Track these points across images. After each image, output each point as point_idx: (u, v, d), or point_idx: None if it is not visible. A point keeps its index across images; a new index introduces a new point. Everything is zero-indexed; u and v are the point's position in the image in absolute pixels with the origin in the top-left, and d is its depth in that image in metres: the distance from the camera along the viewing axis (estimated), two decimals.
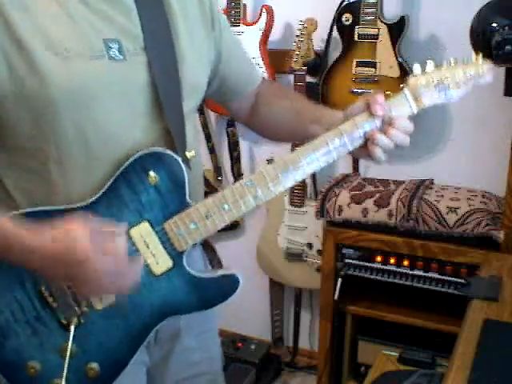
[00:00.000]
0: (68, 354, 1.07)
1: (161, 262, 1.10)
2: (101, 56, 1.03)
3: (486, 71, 1.14)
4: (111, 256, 0.99)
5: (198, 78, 1.19)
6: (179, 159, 1.09)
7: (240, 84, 1.33)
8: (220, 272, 1.16)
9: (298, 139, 1.22)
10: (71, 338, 1.07)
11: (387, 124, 1.10)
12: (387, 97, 1.11)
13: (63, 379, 1.06)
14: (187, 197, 1.10)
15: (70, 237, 0.97)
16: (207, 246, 1.28)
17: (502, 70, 2.02)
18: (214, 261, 1.28)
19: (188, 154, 1.12)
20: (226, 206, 1.09)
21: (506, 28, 1.81)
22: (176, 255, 1.11)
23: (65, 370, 1.06)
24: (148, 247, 1.09)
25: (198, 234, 1.10)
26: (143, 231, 1.08)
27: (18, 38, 0.98)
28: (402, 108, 1.11)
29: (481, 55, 1.14)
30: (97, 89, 1.03)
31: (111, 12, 1.06)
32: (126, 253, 1.01)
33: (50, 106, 1.00)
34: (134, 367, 1.16)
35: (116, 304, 1.09)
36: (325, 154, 1.10)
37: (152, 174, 1.07)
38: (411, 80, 1.12)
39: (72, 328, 1.08)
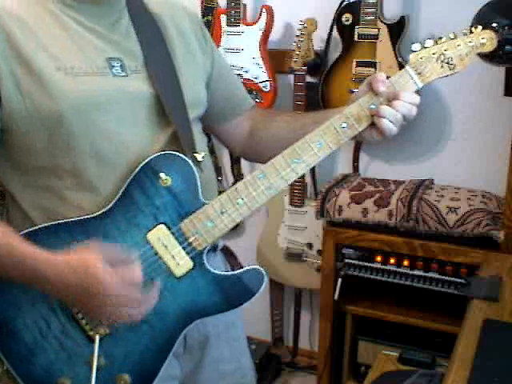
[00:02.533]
0: (95, 365, 1.05)
1: (181, 264, 1.10)
2: (105, 73, 1.07)
3: (486, 39, 1.14)
4: (127, 285, 0.99)
5: (197, 90, 1.22)
6: (188, 159, 1.10)
7: (230, 106, 1.33)
8: (237, 267, 1.16)
9: None
10: (96, 349, 1.06)
11: (392, 99, 1.10)
12: (389, 67, 1.12)
13: None
14: (200, 196, 1.10)
15: (85, 268, 0.97)
16: (228, 253, 1.28)
17: (502, 70, 2.03)
18: (236, 267, 1.27)
19: (198, 156, 1.13)
20: (240, 201, 1.10)
21: (506, 28, 1.81)
22: (196, 255, 1.10)
23: (93, 382, 1.05)
24: (167, 249, 1.09)
25: (216, 231, 1.10)
26: (160, 234, 1.08)
27: (25, 59, 1.02)
28: (406, 84, 1.12)
29: (480, 26, 1.14)
30: (104, 101, 1.06)
31: (111, 34, 1.11)
32: (140, 277, 1.01)
33: (61, 121, 1.03)
34: (166, 383, 1.15)
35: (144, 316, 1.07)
36: (333, 137, 1.11)
37: (163, 176, 1.08)
38: (412, 56, 1.13)
39: (97, 338, 1.07)
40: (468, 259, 1.96)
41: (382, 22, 2.16)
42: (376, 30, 2.16)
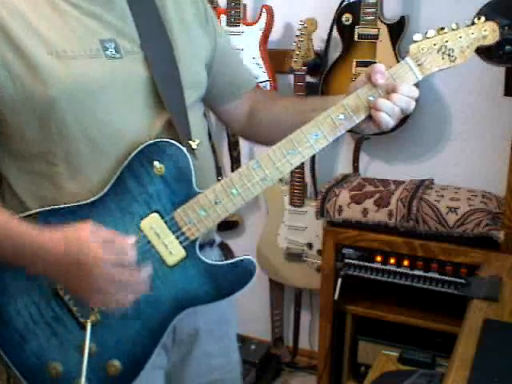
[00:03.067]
0: (86, 351, 1.06)
1: (174, 252, 1.10)
2: (98, 55, 1.04)
3: (488, 31, 1.12)
4: (123, 267, 1.00)
5: (196, 71, 1.19)
6: (183, 147, 1.09)
7: (235, 81, 1.32)
8: (234, 258, 1.15)
9: None
10: (88, 336, 1.07)
11: (391, 91, 1.08)
12: (389, 67, 1.10)
13: (83, 377, 1.06)
14: (194, 185, 1.10)
15: (78, 240, 0.98)
16: (225, 248, 1.27)
17: (502, 70, 2.03)
18: (229, 257, 1.27)
19: (192, 144, 1.12)
20: (234, 191, 1.09)
21: (506, 28, 1.81)
22: (188, 244, 1.10)
23: (84, 368, 1.06)
24: (159, 238, 1.09)
25: (209, 220, 1.10)
26: (153, 222, 1.08)
27: (16, 43, 1.00)
28: (405, 76, 1.10)
29: (483, 17, 1.12)
30: (96, 87, 1.04)
31: (105, 14, 1.07)
32: (134, 262, 1.01)
33: (53, 106, 1.02)
34: (152, 372, 1.16)
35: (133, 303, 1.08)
36: (331, 129, 1.09)
37: (157, 164, 1.07)
38: (412, 47, 1.11)
39: (89, 325, 1.08)
40: (468, 259, 1.96)
41: (382, 21, 2.16)
42: (376, 29, 2.16)
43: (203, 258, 1.12)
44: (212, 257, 1.19)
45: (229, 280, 1.14)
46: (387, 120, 1.08)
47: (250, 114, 1.34)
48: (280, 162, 1.09)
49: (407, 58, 1.10)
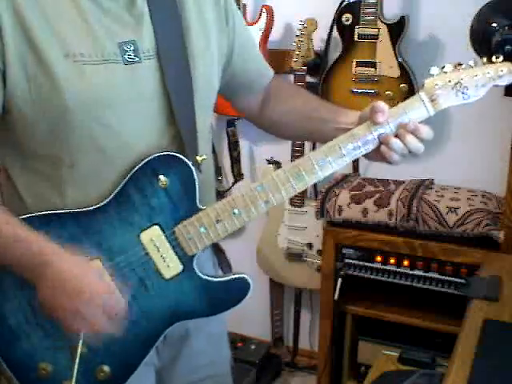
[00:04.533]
0: (78, 355, 1.06)
1: (171, 266, 1.10)
2: (115, 61, 1.04)
3: (505, 72, 1.10)
4: (108, 314, 1.02)
5: (210, 78, 1.19)
6: (189, 163, 1.09)
7: (251, 80, 1.32)
8: (230, 276, 1.16)
9: (310, 139, 1.21)
10: (81, 340, 1.06)
11: (404, 129, 1.08)
12: (391, 98, 1.10)
13: (73, 380, 1.06)
14: (197, 201, 1.10)
15: (91, 271, 1.02)
16: (216, 249, 1.28)
17: None
18: (223, 263, 1.28)
19: (199, 158, 1.12)
20: (236, 211, 1.09)
21: (506, 28, 1.81)
22: (186, 259, 1.11)
23: (74, 372, 1.06)
24: (158, 250, 1.09)
25: (209, 238, 1.10)
26: (154, 235, 1.09)
27: (35, 43, 0.99)
28: (417, 110, 1.10)
29: (501, 57, 1.11)
30: (110, 96, 1.04)
31: (125, 15, 1.06)
32: (122, 313, 1.04)
33: (64, 112, 1.02)
34: (143, 368, 1.16)
35: (126, 308, 1.08)
36: (337, 158, 1.09)
37: (162, 177, 1.07)
38: (427, 81, 1.10)
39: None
40: (468, 259, 1.96)
41: (382, 22, 2.16)
42: (376, 30, 2.16)
43: (199, 274, 1.12)
44: (203, 258, 1.19)
45: (222, 297, 1.15)
46: (396, 159, 1.10)
47: (262, 107, 1.35)
48: (284, 187, 1.09)
49: (421, 93, 1.09)
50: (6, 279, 1.09)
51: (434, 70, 1.10)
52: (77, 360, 1.06)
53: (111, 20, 1.05)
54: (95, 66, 1.02)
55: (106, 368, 1.12)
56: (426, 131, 1.10)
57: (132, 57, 1.05)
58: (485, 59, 1.11)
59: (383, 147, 1.09)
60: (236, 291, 1.15)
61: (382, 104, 1.08)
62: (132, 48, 1.06)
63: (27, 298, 1.09)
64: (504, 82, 1.11)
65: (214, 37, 1.19)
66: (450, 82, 1.09)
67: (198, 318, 1.17)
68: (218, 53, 1.20)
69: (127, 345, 1.12)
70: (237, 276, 1.15)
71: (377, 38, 2.17)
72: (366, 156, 1.13)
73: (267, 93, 1.34)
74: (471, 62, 1.11)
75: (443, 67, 1.10)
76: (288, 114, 1.31)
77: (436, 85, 1.09)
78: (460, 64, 1.10)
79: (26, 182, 1.09)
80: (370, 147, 1.10)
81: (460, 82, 1.09)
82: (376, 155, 1.12)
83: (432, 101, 1.09)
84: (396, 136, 1.09)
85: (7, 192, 1.13)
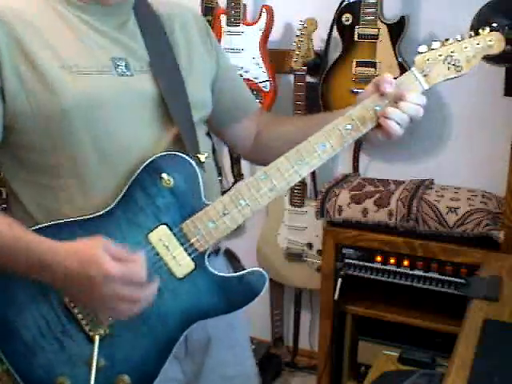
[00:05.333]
0: (94, 365, 1.05)
1: (182, 265, 1.09)
2: (109, 72, 1.07)
3: (494, 41, 1.12)
4: (129, 281, 0.99)
5: (202, 92, 1.22)
6: (191, 159, 1.09)
7: (236, 107, 1.33)
8: (239, 269, 1.15)
9: None
10: (96, 349, 1.05)
11: (398, 100, 1.09)
12: (395, 78, 1.11)
13: None
14: (203, 196, 1.10)
15: (90, 256, 0.98)
16: (230, 255, 1.28)
17: (502, 70, 2.03)
18: (239, 270, 1.27)
19: (201, 157, 1.13)
20: (242, 202, 1.09)
21: (506, 28, 1.81)
22: (197, 256, 1.10)
23: (92, 383, 1.05)
24: (168, 250, 1.09)
25: (218, 232, 1.10)
26: (162, 234, 1.08)
27: (29, 57, 1.02)
28: (411, 86, 1.11)
29: (488, 28, 1.13)
30: (107, 101, 1.05)
31: (117, 35, 1.11)
32: (144, 280, 1.01)
33: (64, 119, 1.03)
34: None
35: (141, 312, 1.06)
36: (338, 139, 1.10)
37: (165, 176, 1.07)
38: (417, 57, 1.11)
39: (97, 339, 1.07)
40: (468, 259, 1.96)
41: (382, 22, 2.16)
42: (376, 30, 2.16)
43: (212, 270, 1.11)
44: (217, 265, 1.18)
45: (238, 292, 1.13)
46: (397, 128, 1.10)
47: (257, 136, 1.35)
48: (288, 173, 1.10)
49: (413, 69, 1.11)
50: (17, 294, 1.08)
51: (422, 48, 1.12)
52: (93, 368, 1.05)
53: (104, 39, 1.09)
54: (90, 76, 1.05)
55: (126, 378, 1.10)
56: (420, 97, 1.11)
57: (124, 70, 1.09)
58: (472, 32, 1.12)
59: (382, 119, 1.10)
60: (251, 285, 1.13)
61: (388, 75, 1.10)
62: (124, 64, 1.09)
63: (40, 312, 1.08)
64: (495, 50, 1.13)
65: (203, 58, 1.23)
66: (440, 55, 1.11)
67: (217, 317, 1.15)
68: (209, 73, 1.25)
69: (145, 351, 1.10)
70: (252, 269, 1.13)
71: (377, 38, 2.17)
72: (367, 138, 1.13)
73: (259, 122, 1.34)
74: (458, 37, 1.12)
75: (431, 44, 1.12)
76: (287, 134, 1.29)
77: (427, 60, 1.11)
78: (447, 39, 1.12)
79: (31, 195, 1.10)
80: (369, 125, 1.10)
81: (451, 55, 1.11)
82: (377, 133, 1.12)
83: (425, 75, 1.11)
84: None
85: (14, 207, 1.13)
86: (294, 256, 2.50)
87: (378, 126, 1.11)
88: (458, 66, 1.12)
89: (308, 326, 2.75)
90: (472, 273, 1.90)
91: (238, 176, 2.62)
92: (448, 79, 1.13)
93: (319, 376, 2.31)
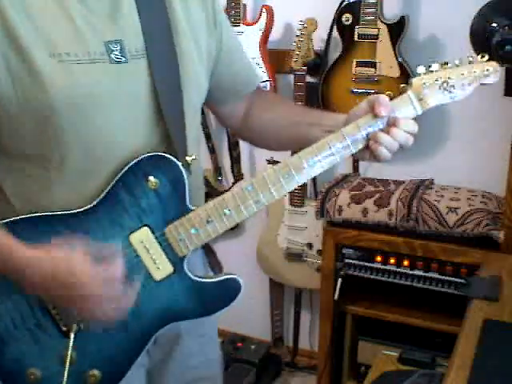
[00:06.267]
0: (68, 360, 1.06)
1: (161, 268, 1.09)
2: (101, 60, 1.02)
3: (491, 71, 1.12)
4: (108, 283, 0.99)
5: (199, 78, 1.18)
6: (179, 163, 1.08)
7: (237, 85, 1.31)
8: (221, 276, 1.15)
9: (297, 145, 1.19)
10: (71, 345, 1.06)
11: (391, 125, 1.09)
12: (390, 98, 1.10)
13: None
14: (187, 202, 1.09)
15: (68, 265, 0.97)
16: (207, 249, 1.28)
17: (502, 70, 2.02)
18: (214, 264, 1.27)
19: (188, 159, 1.11)
20: (226, 211, 1.08)
21: (506, 28, 1.82)
22: (177, 260, 1.10)
23: (65, 378, 1.06)
24: (148, 252, 1.08)
25: (199, 238, 1.10)
26: (143, 236, 1.08)
27: (18, 43, 0.97)
28: (405, 109, 1.10)
29: (486, 56, 1.12)
30: (96, 95, 1.02)
31: (112, 14, 1.05)
32: (123, 275, 1.01)
33: (50, 111, 1.00)
34: (133, 370, 1.16)
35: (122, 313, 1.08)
36: (327, 156, 1.09)
37: (152, 178, 1.06)
38: (415, 80, 1.11)
39: (72, 335, 1.07)
40: (468, 259, 1.96)
41: (382, 22, 2.16)
42: (376, 30, 2.16)
43: (190, 275, 1.12)
44: (195, 257, 1.18)
45: (214, 298, 1.14)
46: (385, 154, 1.09)
47: (245, 116, 1.33)
48: (274, 187, 1.09)
49: (410, 92, 1.10)
50: None
51: (421, 69, 1.11)
52: (67, 364, 1.05)
53: (97, 20, 1.03)
54: (81, 65, 1.00)
55: (97, 372, 1.11)
56: (413, 125, 1.10)
57: (119, 57, 1.04)
58: (470, 58, 1.12)
59: (372, 143, 1.09)
60: (227, 292, 1.14)
61: (384, 98, 1.08)
62: (119, 48, 1.04)
63: (15, 304, 1.08)
64: (490, 80, 1.13)
65: (203, 38, 1.18)
66: (437, 80, 1.10)
67: (190, 320, 1.16)
68: (206, 54, 1.19)
69: (117, 348, 1.11)
70: (227, 277, 1.14)
71: (377, 38, 2.17)
72: (356, 155, 1.12)
73: (250, 102, 1.33)
74: (457, 61, 1.12)
75: (429, 66, 1.11)
76: (274, 121, 1.29)
77: (424, 84, 1.10)
78: (446, 63, 1.11)
79: (13, 183, 1.08)
80: (360, 146, 1.10)
81: (447, 81, 1.11)
82: (366, 154, 1.12)
83: (420, 100, 1.10)
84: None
85: None
86: (294, 256, 2.50)
87: (368, 147, 1.10)
88: (452, 93, 1.12)
89: (308, 325, 2.75)
90: (472, 273, 1.90)
91: (237, 176, 2.62)
92: (441, 104, 1.13)
93: (319, 376, 2.31)
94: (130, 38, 1.06)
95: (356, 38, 2.20)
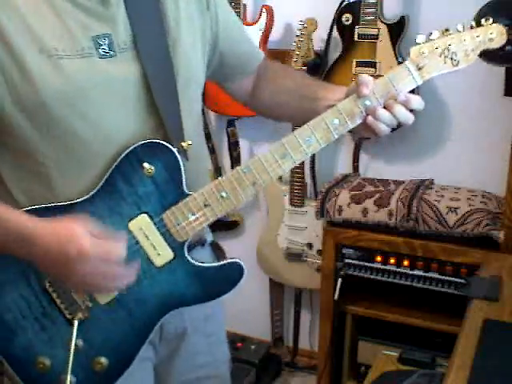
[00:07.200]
0: (72, 348, 1.07)
1: (162, 254, 1.10)
2: (90, 54, 1.03)
3: (495, 34, 1.07)
4: (108, 259, 1.00)
5: (192, 66, 1.17)
6: (173, 149, 1.08)
7: (242, 62, 1.30)
8: (222, 261, 1.15)
9: (302, 119, 1.17)
10: (75, 333, 1.07)
11: (391, 99, 1.06)
12: (389, 69, 1.07)
13: (68, 374, 1.06)
14: (184, 187, 1.09)
15: (70, 235, 0.98)
16: (215, 246, 1.28)
17: (502, 70, 2.03)
18: (222, 260, 1.27)
19: (184, 144, 1.11)
20: (223, 194, 1.08)
21: (506, 28, 1.81)
22: (177, 246, 1.10)
23: (69, 365, 1.06)
24: (148, 239, 1.09)
25: (198, 223, 1.10)
26: (142, 223, 1.08)
27: (7, 40, 0.98)
28: (404, 80, 1.07)
29: (491, 19, 1.07)
30: (87, 88, 1.03)
31: (99, 8, 1.05)
32: (122, 259, 1.01)
33: (42, 107, 1.01)
34: (141, 363, 1.17)
35: (119, 297, 1.10)
36: (324, 134, 1.08)
37: (147, 165, 1.07)
38: (413, 49, 1.07)
39: (75, 323, 1.08)
40: (468, 259, 1.96)
41: (382, 22, 2.16)
42: (376, 30, 2.16)
43: (191, 260, 1.12)
44: (203, 257, 1.19)
45: (216, 282, 1.14)
46: (385, 129, 1.08)
47: (253, 90, 1.33)
48: (271, 167, 1.08)
49: (407, 62, 1.07)
50: None
51: (420, 38, 1.07)
52: (71, 351, 1.06)
53: (85, 14, 1.03)
54: (70, 59, 1.01)
55: (103, 359, 1.12)
56: (417, 101, 1.07)
57: (107, 51, 1.04)
58: (473, 23, 1.07)
59: (370, 118, 1.07)
60: (229, 276, 1.14)
61: (366, 76, 1.06)
62: (107, 42, 1.05)
63: (21, 294, 1.09)
64: (495, 45, 1.07)
65: (195, 23, 1.17)
66: (437, 48, 1.06)
67: (194, 308, 1.16)
68: (200, 38, 1.18)
69: (123, 335, 1.12)
70: (229, 261, 1.14)
71: (377, 38, 2.17)
72: (354, 131, 1.11)
73: (258, 75, 1.33)
74: (459, 27, 1.07)
75: (430, 34, 1.07)
76: (280, 94, 1.29)
77: (423, 52, 1.06)
78: (447, 30, 1.07)
79: (17, 181, 1.09)
80: (357, 121, 1.08)
81: (448, 48, 1.06)
82: (363, 129, 1.10)
83: (419, 69, 1.07)
84: (384, 107, 1.07)
85: (1, 193, 1.12)
86: (294, 256, 2.50)
87: (365, 121, 1.08)
88: (454, 60, 1.07)
89: (308, 326, 2.75)
90: (472, 273, 1.90)
91: None
92: (443, 73, 1.08)
93: (319, 376, 2.31)
94: (119, 32, 1.06)
95: (356, 38, 2.20)
